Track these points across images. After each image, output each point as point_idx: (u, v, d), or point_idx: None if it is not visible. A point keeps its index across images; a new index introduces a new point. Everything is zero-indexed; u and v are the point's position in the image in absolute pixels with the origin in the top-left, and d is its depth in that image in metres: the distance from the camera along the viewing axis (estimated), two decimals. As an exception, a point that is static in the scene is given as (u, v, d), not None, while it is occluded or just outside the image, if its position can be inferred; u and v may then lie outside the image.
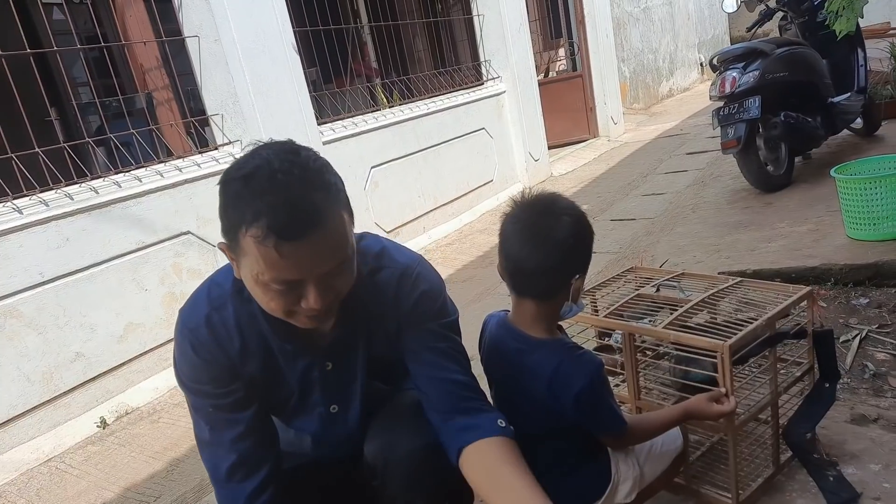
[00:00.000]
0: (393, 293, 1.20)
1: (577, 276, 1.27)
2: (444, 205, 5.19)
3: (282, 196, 0.94)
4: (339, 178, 1.05)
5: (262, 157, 0.97)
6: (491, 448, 1.14)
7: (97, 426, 2.88)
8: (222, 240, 1.03)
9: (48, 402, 2.78)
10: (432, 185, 5.07)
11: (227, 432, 1.17)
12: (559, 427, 1.33)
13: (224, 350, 1.15)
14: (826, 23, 3.63)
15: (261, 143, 1.03)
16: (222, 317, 1.14)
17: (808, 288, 1.63)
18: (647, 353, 1.78)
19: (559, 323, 1.37)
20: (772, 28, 5.44)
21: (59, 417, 2.81)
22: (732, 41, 12.22)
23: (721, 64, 4.01)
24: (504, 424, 1.18)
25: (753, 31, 4.77)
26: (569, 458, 1.37)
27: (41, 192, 2.83)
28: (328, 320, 1.10)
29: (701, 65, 11.86)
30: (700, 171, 5.31)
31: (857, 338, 2.27)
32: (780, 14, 4.58)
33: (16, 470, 2.62)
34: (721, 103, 3.95)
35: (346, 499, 1.46)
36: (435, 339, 1.21)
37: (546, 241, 1.24)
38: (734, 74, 3.83)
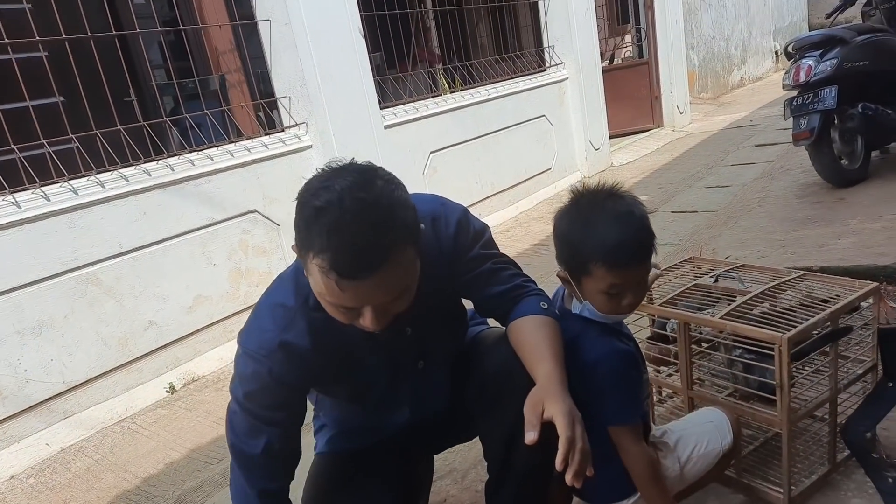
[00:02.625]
0: (433, 238, 1.24)
1: (561, 267, 1.33)
2: (501, 192, 5.20)
3: (346, 239, 0.98)
4: (413, 209, 1.07)
5: (335, 191, 1.00)
6: (527, 321, 1.27)
7: (166, 391, 3.05)
8: (294, 244, 1.09)
9: (122, 366, 2.96)
10: (490, 171, 5.08)
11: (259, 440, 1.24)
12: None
13: (305, 365, 1.20)
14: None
15: (339, 166, 1.06)
16: (296, 335, 1.18)
17: (875, 283, 1.58)
18: (703, 344, 1.76)
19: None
20: (854, 15, 5.17)
21: (132, 381, 3.00)
22: (811, 29, 11.64)
23: (796, 52, 3.86)
24: (546, 306, 1.30)
25: (833, 17, 4.55)
26: (607, 445, 1.35)
27: (122, 167, 3.00)
28: (384, 328, 1.13)
29: (776, 53, 11.37)
30: (769, 163, 5.13)
31: (929, 340, 2.18)
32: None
33: (92, 428, 2.82)
34: (795, 93, 3.81)
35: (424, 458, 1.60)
36: (480, 263, 1.30)
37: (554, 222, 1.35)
38: (810, 63, 3.68)
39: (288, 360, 1.18)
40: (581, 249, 1.26)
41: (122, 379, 2.97)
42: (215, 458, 2.44)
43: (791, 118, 3.80)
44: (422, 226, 1.14)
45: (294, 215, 1.05)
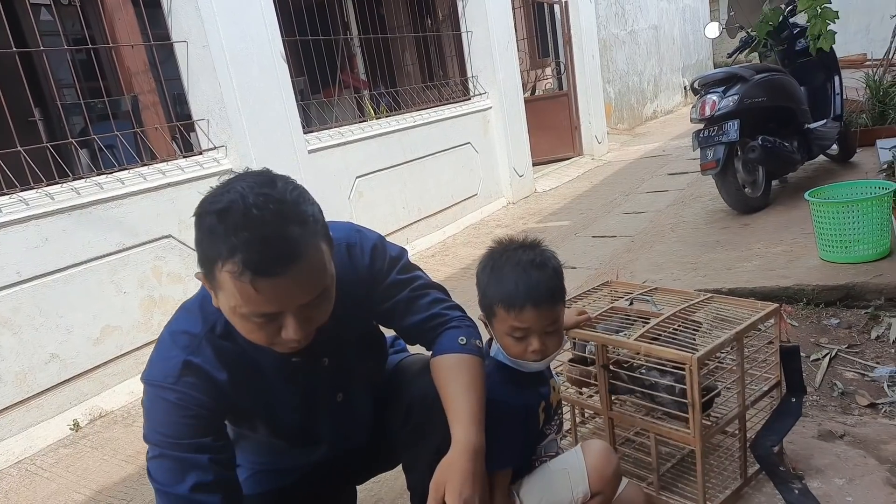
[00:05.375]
0: (349, 265, 1.21)
1: (480, 311, 1.37)
2: (427, 217, 5.22)
3: (256, 232, 0.93)
4: (317, 206, 1.05)
5: (237, 191, 0.96)
6: (446, 362, 1.24)
7: (70, 429, 2.84)
8: (198, 269, 1.02)
9: (20, 403, 2.74)
10: (417, 196, 5.11)
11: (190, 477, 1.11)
12: None
13: (214, 385, 1.11)
14: (808, 49, 3.75)
15: (237, 174, 1.02)
16: (203, 358, 1.11)
17: (775, 305, 1.67)
18: (623, 364, 1.80)
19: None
20: (753, 55, 5.57)
21: (32, 419, 2.78)
22: (716, 66, 12.45)
23: (702, 88, 4.10)
24: (465, 341, 1.26)
25: (734, 56, 4.89)
26: None
27: (21, 190, 2.81)
28: (307, 342, 1.08)
29: (685, 88, 12.08)
30: (680, 191, 5.39)
31: (828, 357, 2.32)
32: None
33: (-16, 471, 2.59)
34: (701, 126, 4.03)
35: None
36: (398, 290, 1.27)
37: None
38: (714, 98, 3.92)
39: (198, 381, 1.09)
40: (487, 291, 1.33)
41: (20, 417, 2.74)
42: (123, 500, 2.28)
43: (699, 149, 4.03)
44: (336, 252, 1.11)
45: (195, 233, 1.00)
